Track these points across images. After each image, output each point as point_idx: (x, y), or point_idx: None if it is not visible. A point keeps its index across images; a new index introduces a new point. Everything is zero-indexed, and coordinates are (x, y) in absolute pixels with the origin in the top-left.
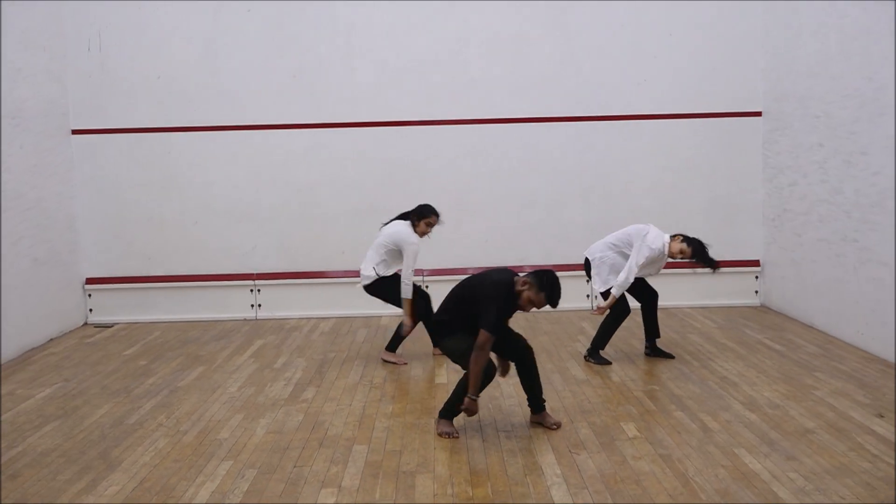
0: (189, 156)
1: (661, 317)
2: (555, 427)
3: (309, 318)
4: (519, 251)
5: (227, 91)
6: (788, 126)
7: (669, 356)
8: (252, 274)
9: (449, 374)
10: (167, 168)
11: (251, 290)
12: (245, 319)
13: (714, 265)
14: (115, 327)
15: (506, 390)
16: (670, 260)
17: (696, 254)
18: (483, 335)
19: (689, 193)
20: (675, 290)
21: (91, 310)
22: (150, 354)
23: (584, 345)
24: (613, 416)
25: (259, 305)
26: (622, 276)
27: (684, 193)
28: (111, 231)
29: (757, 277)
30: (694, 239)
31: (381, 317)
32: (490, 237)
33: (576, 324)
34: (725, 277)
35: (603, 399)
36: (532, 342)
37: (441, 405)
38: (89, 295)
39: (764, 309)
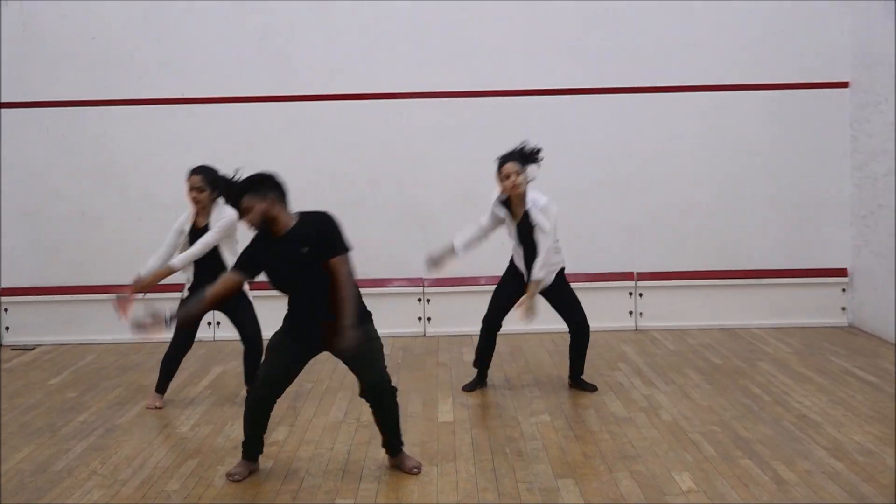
0: (131, 136)
1: (721, 338)
2: (416, 471)
3: None
4: None
5: (177, 57)
6: (884, 99)
7: (591, 388)
8: None
9: (455, 410)
10: (103, 151)
11: None
12: (200, 340)
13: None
14: (38, 350)
15: (526, 430)
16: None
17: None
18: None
19: (753, 185)
20: (740, 307)
21: (7, 328)
22: (81, 384)
23: (625, 373)
24: (663, 465)
25: (218, 323)
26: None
27: (748, 184)
28: (33, 230)
29: (844, 290)
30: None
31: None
32: (506, 239)
33: (616, 348)
34: (805, 291)
35: (649, 442)
36: (562, 369)
37: (447, 448)
38: (5, 310)
39: (853, 330)
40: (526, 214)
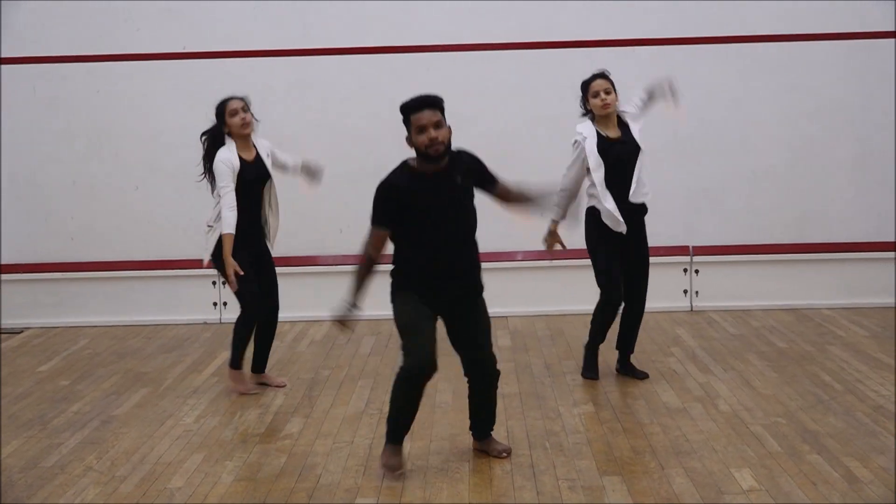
0: (128, 95)
1: (790, 320)
2: (504, 455)
3: (294, 322)
4: None
5: (178, 5)
6: None
7: (642, 375)
8: None
9: None
10: (97, 112)
11: (214, 283)
12: (205, 323)
13: None
14: (26, 333)
15: (568, 423)
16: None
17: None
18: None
19: (833, 147)
20: (810, 285)
21: None
22: (74, 371)
23: (678, 359)
24: (721, 461)
25: (225, 304)
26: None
27: (827, 148)
28: (20, 201)
29: None
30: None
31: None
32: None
33: (669, 331)
34: (886, 266)
35: (706, 436)
36: (607, 354)
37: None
38: None
39: None
40: (624, 132)
